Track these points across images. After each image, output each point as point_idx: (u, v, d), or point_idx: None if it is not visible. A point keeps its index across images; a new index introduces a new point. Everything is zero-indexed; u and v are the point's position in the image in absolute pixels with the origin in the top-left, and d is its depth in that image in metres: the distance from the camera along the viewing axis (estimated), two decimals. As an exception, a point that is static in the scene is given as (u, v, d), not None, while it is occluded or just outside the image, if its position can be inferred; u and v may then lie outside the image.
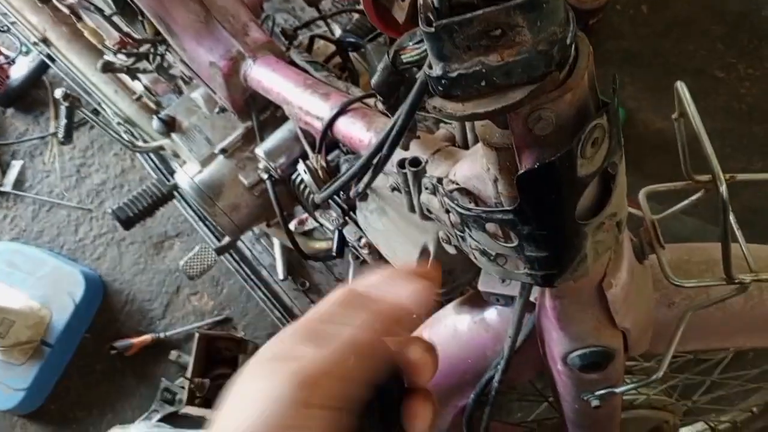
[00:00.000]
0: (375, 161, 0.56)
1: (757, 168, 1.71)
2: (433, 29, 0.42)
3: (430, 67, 0.47)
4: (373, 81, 0.52)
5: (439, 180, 0.58)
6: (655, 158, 1.69)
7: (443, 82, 0.45)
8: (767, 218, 1.56)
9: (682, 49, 1.93)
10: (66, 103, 1.23)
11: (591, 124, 0.46)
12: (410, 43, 0.48)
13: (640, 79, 1.87)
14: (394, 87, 0.52)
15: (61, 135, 1.16)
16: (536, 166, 0.41)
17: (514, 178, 0.44)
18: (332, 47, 1.22)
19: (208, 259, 1.26)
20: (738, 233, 0.57)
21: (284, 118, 1.11)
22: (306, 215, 1.64)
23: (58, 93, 1.24)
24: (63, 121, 1.17)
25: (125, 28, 1.22)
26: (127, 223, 1.26)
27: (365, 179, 0.61)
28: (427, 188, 0.60)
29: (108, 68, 1.27)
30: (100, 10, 1.21)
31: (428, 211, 0.59)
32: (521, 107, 0.44)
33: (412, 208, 0.66)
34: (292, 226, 1.74)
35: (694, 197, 0.64)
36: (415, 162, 0.61)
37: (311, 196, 1.03)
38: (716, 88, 1.85)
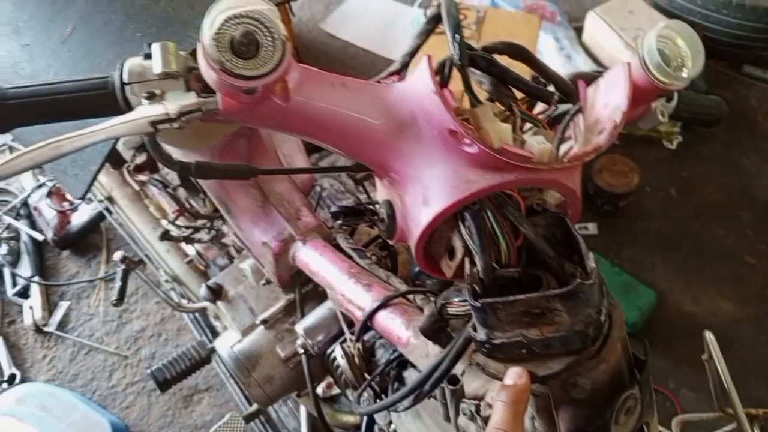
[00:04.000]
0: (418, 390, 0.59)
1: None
2: (479, 304, 0.47)
3: (475, 329, 0.51)
4: (420, 325, 0.56)
5: (477, 409, 0.60)
6: (685, 342, 1.68)
7: (487, 346, 0.49)
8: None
9: (712, 233, 1.98)
10: (123, 266, 1.32)
11: (624, 395, 0.49)
12: (456, 299, 0.53)
13: (670, 261, 1.90)
14: (439, 331, 0.56)
15: (114, 298, 1.23)
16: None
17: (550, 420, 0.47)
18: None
19: (237, 428, 1.26)
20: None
21: (325, 294, 1.16)
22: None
23: (117, 255, 1.33)
24: (118, 284, 1.24)
25: (186, 202, 1.34)
26: (164, 384, 1.28)
27: (405, 403, 0.64)
28: (465, 413, 0.62)
29: (166, 237, 1.36)
30: (165, 185, 1.33)
31: (465, 432, 0.61)
32: (558, 377, 0.47)
33: (447, 418, 0.67)
34: (320, 389, 1.74)
35: (727, 428, 0.65)
36: (453, 380, 0.64)
37: (343, 376, 1.04)
38: (747, 274, 1.87)
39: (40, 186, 2.14)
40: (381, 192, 0.63)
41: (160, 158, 0.65)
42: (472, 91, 0.50)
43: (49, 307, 1.95)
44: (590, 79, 0.64)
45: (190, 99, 0.58)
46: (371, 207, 1.00)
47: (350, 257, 1.11)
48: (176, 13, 0.88)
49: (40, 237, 2.05)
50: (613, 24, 2.18)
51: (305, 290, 1.23)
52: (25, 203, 2.13)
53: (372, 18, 2.63)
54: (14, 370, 1.82)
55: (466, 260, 0.51)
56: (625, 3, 2.26)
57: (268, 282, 1.29)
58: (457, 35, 0.50)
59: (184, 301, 1.56)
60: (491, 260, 0.49)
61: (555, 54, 2.27)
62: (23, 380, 1.81)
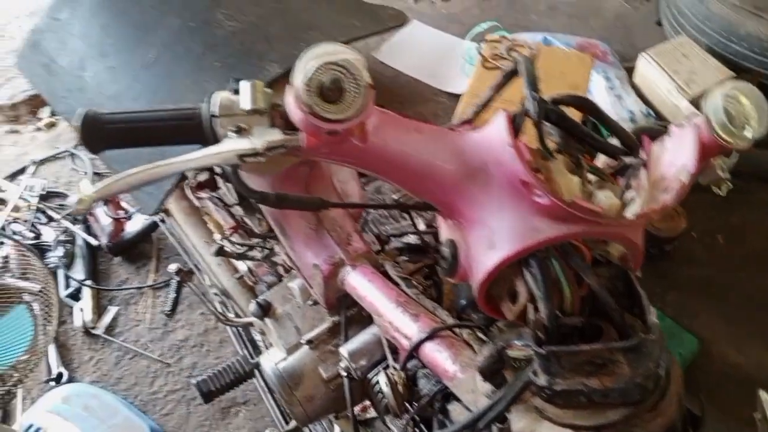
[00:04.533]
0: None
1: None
2: (544, 352, 0.49)
3: (536, 374, 0.52)
4: (478, 364, 0.58)
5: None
6: (728, 394, 1.64)
7: (547, 391, 0.51)
8: None
9: (759, 283, 1.94)
10: (177, 278, 1.37)
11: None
12: (517, 343, 0.55)
13: (715, 309, 1.88)
14: (497, 371, 0.58)
15: (167, 308, 1.28)
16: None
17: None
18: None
19: (276, 445, 1.29)
20: None
21: (369, 318, 1.18)
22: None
23: (172, 267, 1.38)
24: (171, 295, 1.29)
25: (242, 220, 1.38)
26: (208, 396, 1.32)
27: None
28: (511, 457, 0.64)
29: (221, 253, 1.41)
30: (224, 202, 1.38)
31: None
32: (615, 428, 0.49)
33: (492, 458, 0.69)
34: (355, 410, 1.76)
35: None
36: (502, 419, 0.66)
37: (384, 402, 1.05)
38: (794, 324, 1.83)
39: (98, 193, 2.23)
40: (445, 231, 0.66)
41: (240, 186, 0.69)
42: (546, 145, 0.53)
43: (99, 310, 2.02)
44: (654, 133, 0.66)
45: (276, 135, 0.62)
46: (424, 239, 1.03)
47: (398, 285, 1.14)
48: (253, 46, 0.93)
49: (94, 242, 2.13)
50: (665, 67, 2.18)
51: (350, 313, 1.26)
52: (82, 209, 2.22)
53: (424, 49, 2.68)
54: (62, 369, 1.89)
55: (530, 306, 0.54)
56: (678, 46, 2.26)
57: (315, 303, 1.32)
58: (535, 93, 0.52)
59: (231, 315, 1.61)
60: (555, 308, 0.51)
61: (605, 93, 2.28)
62: (70, 380, 1.88)
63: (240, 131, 0.62)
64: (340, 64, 0.55)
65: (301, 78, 0.55)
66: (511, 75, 0.60)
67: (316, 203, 0.74)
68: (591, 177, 0.59)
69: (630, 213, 0.54)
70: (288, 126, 0.66)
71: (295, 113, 0.58)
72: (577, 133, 0.58)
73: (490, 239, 0.56)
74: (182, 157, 0.60)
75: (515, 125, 0.57)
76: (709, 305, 1.87)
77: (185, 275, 1.40)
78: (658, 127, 0.69)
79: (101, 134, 0.66)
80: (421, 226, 1.45)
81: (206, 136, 0.65)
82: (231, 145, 0.61)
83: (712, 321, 1.84)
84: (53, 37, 1.05)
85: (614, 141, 0.68)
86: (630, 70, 2.41)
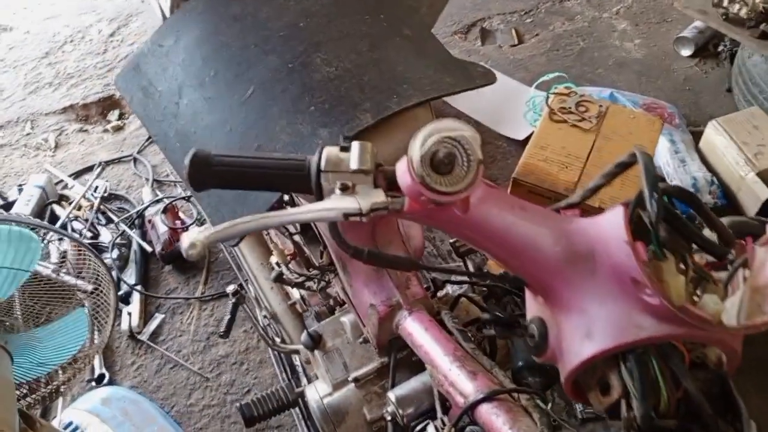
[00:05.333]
0: None
1: None
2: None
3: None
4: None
5: None
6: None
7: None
8: None
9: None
10: (233, 299, 1.39)
11: None
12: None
13: None
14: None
15: (222, 330, 1.30)
16: None
17: None
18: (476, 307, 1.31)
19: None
20: None
21: (417, 364, 1.18)
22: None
23: (230, 288, 1.41)
24: (227, 317, 1.31)
25: (304, 249, 1.41)
26: (251, 421, 1.33)
27: None
28: None
29: (279, 279, 1.43)
30: (286, 228, 1.41)
31: None
32: None
33: None
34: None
35: None
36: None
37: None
38: None
39: (158, 201, 2.29)
40: (532, 307, 0.66)
41: (336, 238, 0.71)
42: (660, 245, 0.53)
43: (145, 316, 2.06)
44: (754, 230, 0.65)
45: (380, 197, 0.64)
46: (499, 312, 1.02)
47: (454, 336, 1.13)
48: (348, 93, 0.96)
49: (149, 249, 2.18)
50: (735, 136, 2.15)
51: (400, 356, 1.26)
52: (141, 215, 2.28)
53: (488, 92, 2.69)
54: (104, 371, 1.93)
55: (623, 401, 0.53)
56: (750, 117, 2.22)
57: (366, 341, 1.33)
58: (655, 193, 0.52)
59: (277, 339, 1.62)
60: (650, 408, 0.51)
61: (669, 156, 2.26)
62: (110, 382, 1.92)
63: (346, 189, 0.64)
64: (457, 139, 0.56)
65: (418, 150, 0.56)
66: (625, 165, 0.61)
67: (408, 264, 0.75)
68: (694, 275, 0.58)
69: (734, 321, 0.54)
70: (389, 186, 0.68)
71: (405, 180, 0.59)
72: (685, 232, 0.57)
73: (587, 328, 0.56)
74: (291, 210, 0.62)
75: (631, 219, 0.57)
76: (763, 387, 1.81)
77: (241, 297, 1.43)
78: (756, 223, 0.68)
79: (208, 175, 0.68)
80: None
81: (311, 188, 0.67)
82: (338, 204, 0.63)
83: (765, 403, 1.78)
84: (155, 62, 1.09)
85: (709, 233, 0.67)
86: (696, 135, 2.38)
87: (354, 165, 0.65)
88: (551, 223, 0.59)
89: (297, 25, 1.03)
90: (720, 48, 2.81)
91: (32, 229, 1.30)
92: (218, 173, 0.69)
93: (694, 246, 0.59)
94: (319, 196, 0.67)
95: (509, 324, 0.77)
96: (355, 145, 0.66)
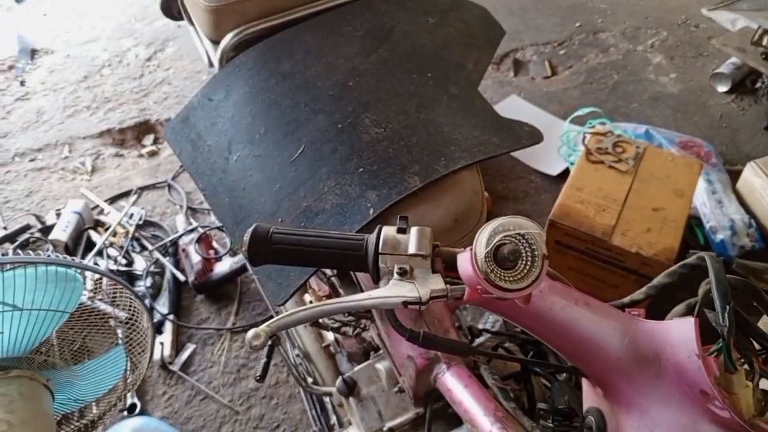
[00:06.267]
0: None
1: None
2: None
3: None
4: None
5: None
6: None
7: None
8: None
9: None
10: (269, 342, 1.39)
11: None
12: None
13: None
14: None
15: (258, 374, 1.30)
16: None
17: None
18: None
19: None
20: None
21: (453, 417, 1.17)
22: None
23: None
24: (262, 360, 1.31)
25: (338, 290, 1.41)
26: (285, 467, 1.33)
27: None
28: None
29: (314, 323, 1.43)
30: (324, 273, 1.41)
31: None
32: None
33: None
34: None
35: None
36: None
37: None
38: None
39: (192, 230, 2.32)
40: (590, 397, 0.65)
41: (394, 324, 0.71)
42: (731, 357, 0.52)
43: (177, 346, 2.08)
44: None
45: (439, 284, 0.64)
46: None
47: (492, 392, 1.12)
48: (396, 155, 0.96)
49: (182, 277, 2.20)
50: (774, 179, 2.12)
51: (436, 406, 1.25)
52: (174, 243, 2.31)
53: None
54: (135, 400, 1.94)
55: None
56: (790, 159, 2.19)
57: (401, 390, 1.32)
58: (727, 306, 0.51)
59: (310, 379, 1.62)
60: None
61: (706, 196, 2.22)
62: (142, 411, 1.93)
63: (404, 273, 0.64)
64: (524, 236, 0.56)
65: (484, 246, 0.56)
66: (691, 267, 0.60)
67: (463, 349, 0.75)
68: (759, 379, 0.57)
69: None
70: (447, 269, 0.68)
71: (467, 271, 0.59)
72: (751, 334, 0.56)
73: (650, 430, 0.55)
74: (351, 298, 0.63)
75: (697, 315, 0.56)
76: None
77: (277, 339, 1.42)
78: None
79: (267, 251, 0.69)
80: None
81: (368, 268, 0.67)
82: (397, 291, 0.63)
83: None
84: (204, 116, 1.10)
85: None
86: (733, 174, 2.35)
87: (412, 249, 0.65)
88: (616, 321, 0.58)
89: (346, 84, 1.04)
90: (758, 84, 2.77)
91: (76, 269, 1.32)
92: (277, 250, 0.69)
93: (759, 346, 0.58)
94: (376, 277, 0.68)
95: (568, 415, 0.76)
96: (414, 231, 0.66)
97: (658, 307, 0.72)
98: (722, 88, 2.81)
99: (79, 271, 1.33)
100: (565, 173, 2.43)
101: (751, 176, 2.20)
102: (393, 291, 0.63)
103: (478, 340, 1.36)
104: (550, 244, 1.89)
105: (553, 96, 2.85)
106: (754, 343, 0.57)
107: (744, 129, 2.64)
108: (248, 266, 2.06)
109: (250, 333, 0.61)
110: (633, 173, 1.92)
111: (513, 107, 2.77)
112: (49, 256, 2.18)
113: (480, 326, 1.42)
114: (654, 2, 3.43)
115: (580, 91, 2.87)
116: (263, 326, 0.61)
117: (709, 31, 3.14)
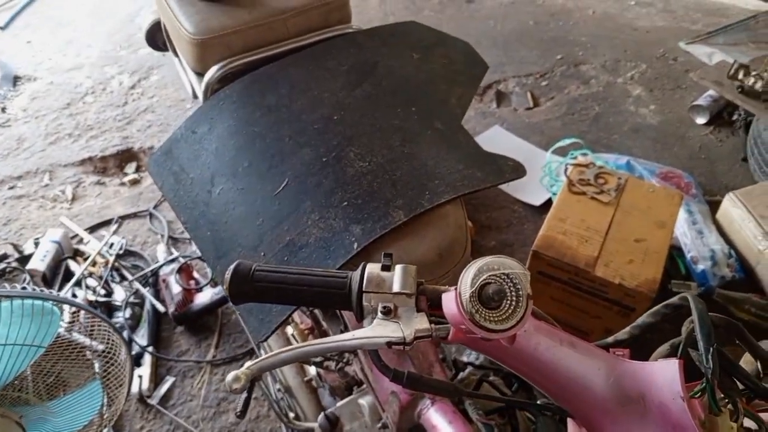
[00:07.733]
0: None
1: None
2: None
3: None
4: None
5: None
6: None
7: None
8: None
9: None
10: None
11: None
12: None
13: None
14: None
15: (238, 410, 1.27)
16: None
17: None
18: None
19: None
20: None
21: (440, 452, 1.14)
22: None
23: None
24: (243, 395, 1.29)
25: (321, 324, 1.39)
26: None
27: None
28: None
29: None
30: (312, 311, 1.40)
31: None
32: None
33: None
34: None
35: None
36: None
37: None
38: None
39: (172, 260, 2.29)
40: (575, 436, 0.65)
41: (377, 363, 0.70)
42: (716, 400, 0.51)
43: (156, 379, 2.03)
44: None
45: (424, 324, 0.63)
46: None
47: (477, 429, 1.11)
48: (380, 189, 0.96)
49: (161, 309, 2.16)
50: (753, 210, 2.14)
51: (419, 442, 1.23)
52: (155, 273, 2.27)
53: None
54: (112, 435, 1.90)
55: None
56: (768, 190, 2.23)
57: (384, 426, 1.30)
58: (711, 348, 0.51)
59: (291, 414, 1.59)
60: None
61: (686, 227, 2.25)
62: (118, 447, 1.88)
63: (388, 312, 0.64)
64: (508, 275, 0.56)
65: (469, 286, 0.56)
66: (675, 308, 0.60)
67: (449, 390, 0.74)
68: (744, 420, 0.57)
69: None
70: (431, 307, 0.68)
71: (452, 312, 0.58)
72: (735, 375, 0.56)
73: (636, 471, 0.54)
74: (334, 338, 0.62)
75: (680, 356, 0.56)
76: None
77: (259, 376, 1.40)
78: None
79: (249, 289, 0.68)
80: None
81: (352, 307, 0.66)
82: (381, 332, 0.62)
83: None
84: (187, 148, 1.10)
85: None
86: (712, 204, 2.38)
87: (397, 288, 0.64)
88: (601, 361, 0.58)
89: (331, 117, 1.04)
90: (735, 117, 2.83)
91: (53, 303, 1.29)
92: (259, 288, 0.68)
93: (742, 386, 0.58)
94: (360, 315, 0.67)
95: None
96: (398, 269, 0.65)
97: (642, 340, 0.72)
98: (701, 120, 2.87)
99: (56, 304, 1.31)
100: (548, 203, 2.45)
101: (730, 207, 2.23)
102: (377, 331, 0.62)
103: (462, 374, 1.35)
104: (534, 274, 1.89)
105: (536, 127, 2.89)
106: (738, 383, 0.57)
107: (722, 160, 2.69)
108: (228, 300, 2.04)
109: (230, 376, 0.59)
110: (615, 204, 1.93)
111: (496, 138, 2.80)
112: (25, 287, 2.14)
113: (465, 359, 1.41)
114: (633, 35, 3.52)
115: (561, 122, 2.91)
116: (243, 368, 0.60)
117: (686, 65, 3.22)
